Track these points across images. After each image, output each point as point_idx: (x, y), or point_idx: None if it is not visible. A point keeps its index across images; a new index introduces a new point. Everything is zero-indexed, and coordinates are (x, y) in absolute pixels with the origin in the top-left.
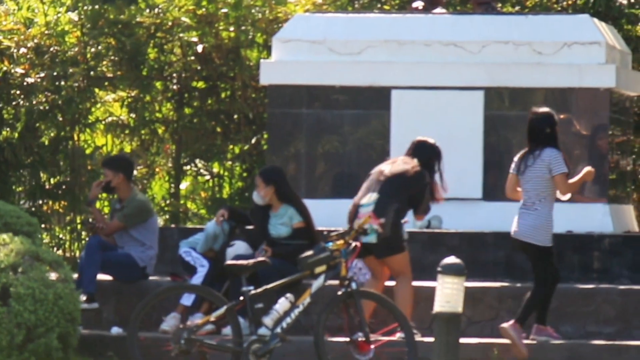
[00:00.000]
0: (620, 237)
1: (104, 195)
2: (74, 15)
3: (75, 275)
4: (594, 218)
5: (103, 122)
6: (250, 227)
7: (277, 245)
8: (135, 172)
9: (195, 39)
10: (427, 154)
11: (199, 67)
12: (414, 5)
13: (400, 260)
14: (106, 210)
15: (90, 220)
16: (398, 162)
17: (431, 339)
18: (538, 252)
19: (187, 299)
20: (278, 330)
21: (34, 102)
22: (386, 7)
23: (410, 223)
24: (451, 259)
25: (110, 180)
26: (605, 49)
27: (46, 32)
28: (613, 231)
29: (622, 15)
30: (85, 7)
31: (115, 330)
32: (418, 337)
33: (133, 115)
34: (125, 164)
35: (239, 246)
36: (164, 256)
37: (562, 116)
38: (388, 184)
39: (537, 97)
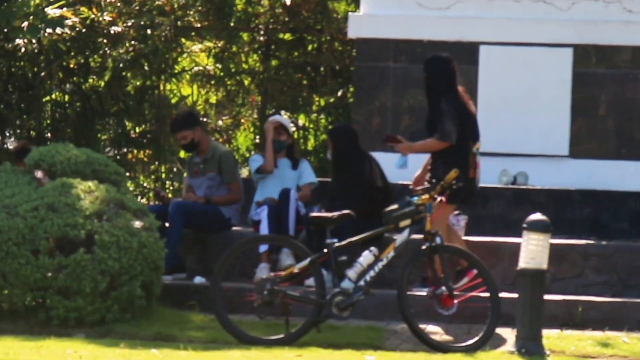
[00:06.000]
0: None
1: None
2: None
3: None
4: None
5: (189, 72)
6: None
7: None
8: (220, 123)
9: None
10: None
11: (286, 19)
12: None
13: None
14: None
15: (160, 191)
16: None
17: (515, 295)
18: None
19: (262, 246)
20: (361, 283)
21: (121, 51)
22: None
23: (495, 179)
24: (537, 216)
25: (192, 139)
26: None
27: None
28: None
29: None
30: None
31: (198, 279)
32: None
33: (219, 65)
34: (194, 117)
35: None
36: (248, 207)
37: None
38: None
39: (625, 55)
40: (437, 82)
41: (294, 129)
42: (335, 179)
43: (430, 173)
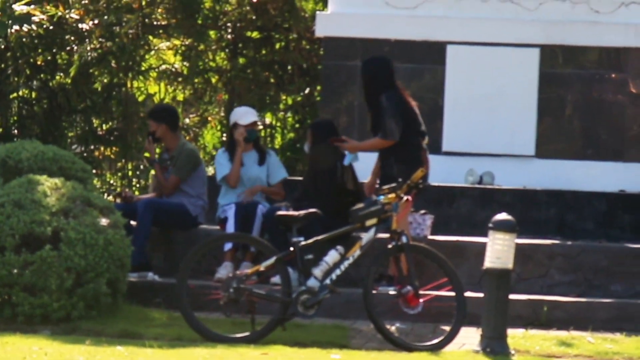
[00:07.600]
0: None
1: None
2: None
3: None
4: None
5: (156, 70)
6: None
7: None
8: (187, 121)
9: None
10: None
11: (253, 17)
12: None
13: None
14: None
15: (127, 190)
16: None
17: (480, 295)
18: None
19: (227, 244)
20: (327, 281)
21: (88, 48)
22: None
23: (462, 178)
24: (503, 216)
25: (154, 130)
26: None
27: None
28: None
29: None
30: None
31: (150, 276)
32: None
33: (186, 63)
34: (166, 114)
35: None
36: (214, 205)
37: (613, 75)
38: None
39: (592, 56)
40: (377, 82)
41: (260, 127)
42: (308, 173)
43: (381, 172)
